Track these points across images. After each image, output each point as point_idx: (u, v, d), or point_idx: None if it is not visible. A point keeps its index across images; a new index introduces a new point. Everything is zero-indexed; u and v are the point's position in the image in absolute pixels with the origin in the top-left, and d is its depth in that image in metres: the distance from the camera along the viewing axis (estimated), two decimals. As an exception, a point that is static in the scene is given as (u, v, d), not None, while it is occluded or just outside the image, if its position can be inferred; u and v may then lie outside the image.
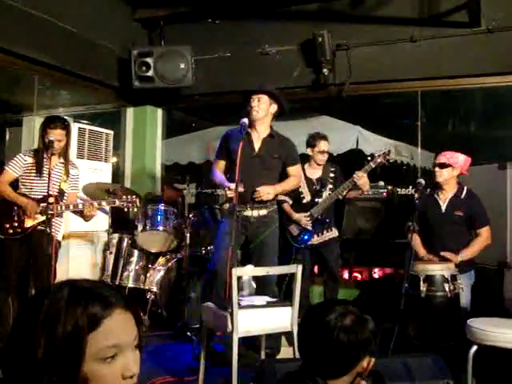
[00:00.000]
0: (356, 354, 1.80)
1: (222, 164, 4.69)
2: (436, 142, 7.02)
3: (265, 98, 4.49)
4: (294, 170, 4.70)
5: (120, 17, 6.34)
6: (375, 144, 7.37)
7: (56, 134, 4.51)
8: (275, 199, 4.66)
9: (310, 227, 5.27)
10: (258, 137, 4.55)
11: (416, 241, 4.66)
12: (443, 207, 4.70)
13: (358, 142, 7.37)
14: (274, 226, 4.62)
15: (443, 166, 4.63)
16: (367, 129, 7.72)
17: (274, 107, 4.57)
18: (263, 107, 4.49)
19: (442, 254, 4.55)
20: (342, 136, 7.50)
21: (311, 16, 5.94)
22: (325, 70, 5.73)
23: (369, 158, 5.14)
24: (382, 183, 6.54)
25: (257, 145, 4.54)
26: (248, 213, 4.46)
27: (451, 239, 4.60)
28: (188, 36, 6.36)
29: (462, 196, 4.69)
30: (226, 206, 4.60)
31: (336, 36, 5.69)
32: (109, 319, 1.09)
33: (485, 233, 4.63)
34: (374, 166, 5.04)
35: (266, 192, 4.42)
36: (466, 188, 4.73)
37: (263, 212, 4.52)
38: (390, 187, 6.27)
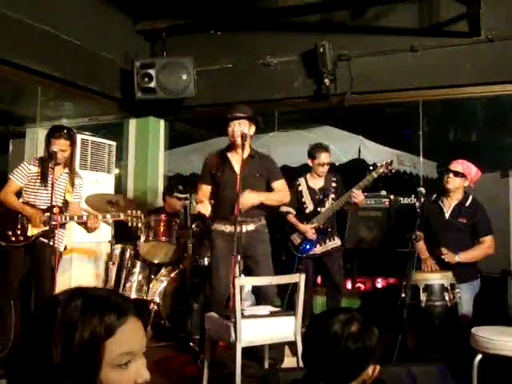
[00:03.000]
0: (363, 361, 1.80)
1: (206, 189, 4.64)
2: (438, 151, 7.04)
3: (245, 122, 4.46)
4: (279, 184, 4.63)
5: (122, 29, 6.39)
6: (377, 153, 7.41)
7: (60, 144, 4.51)
8: (263, 215, 4.62)
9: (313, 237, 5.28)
10: (239, 158, 4.48)
11: (420, 245, 4.64)
12: (447, 214, 4.70)
13: (360, 151, 7.40)
14: (263, 241, 4.57)
15: (457, 174, 4.63)
16: (369, 138, 7.75)
17: (253, 129, 4.56)
18: (246, 131, 4.46)
19: (442, 249, 4.53)
20: (344, 146, 7.54)
21: (312, 27, 5.97)
22: (326, 81, 5.75)
23: (371, 168, 5.15)
24: (384, 193, 6.55)
25: (237, 166, 4.47)
26: (236, 228, 4.36)
27: (454, 246, 4.58)
28: (190, 47, 6.40)
29: (467, 204, 4.68)
30: (216, 225, 4.57)
31: (337, 46, 5.72)
32: (123, 327, 1.12)
33: (487, 241, 4.62)
34: (376, 176, 5.04)
35: (248, 197, 4.34)
36: (471, 196, 4.72)
37: (251, 227, 4.48)
38: (392, 196, 6.27)
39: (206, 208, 4.42)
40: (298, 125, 8.30)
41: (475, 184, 4.77)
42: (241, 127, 4.43)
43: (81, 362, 1.06)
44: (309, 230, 5.24)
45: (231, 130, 4.44)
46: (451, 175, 4.63)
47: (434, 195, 4.79)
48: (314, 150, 5.34)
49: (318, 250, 5.31)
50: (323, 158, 5.30)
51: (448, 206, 4.72)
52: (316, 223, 5.25)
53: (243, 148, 4.38)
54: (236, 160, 4.50)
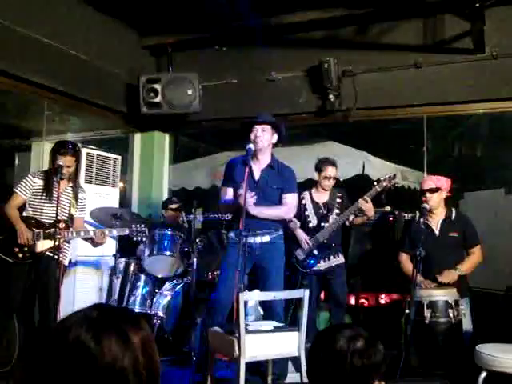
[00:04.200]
0: (368, 377, 1.79)
1: (229, 191, 4.60)
2: (442, 167, 7.04)
3: (268, 129, 4.44)
4: (289, 197, 4.57)
5: (128, 44, 6.44)
6: (381, 169, 7.39)
7: (66, 161, 4.52)
8: (279, 226, 4.58)
9: (315, 251, 5.27)
10: (259, 167, 4.48)
11: (410, 267, 4.60)
12: (436, 231, 4.69)
13: (364, 167, 7.39)
14: (278, 255, 4.54)
15: (432, 190, 4.65)
16: (373, 154, 7.75)
17: (275, 137, 4.52)
18: (267, 137, 4.43)
19: (440, 279, 4.50)
20: (348, 161, 7.53)
21: (317, 43, 6.01)
22: (331, 96, 5.78)
23: (375, 183, 5.15)
24: (388, 208, 6.54)
25: (257, 175, 4.47)
26: (251, 239, 4.34)
27: (448, 262, 4.58)
28: (195, 63, 6.45)
29: (453, 217, 4.71)
30: (232, 234, 4.55)
31: (342, 62, 5.75)
32: None
33: (477, 251, 4.67)
34: (379, 189, 5.05)
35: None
36: (454, 209, 4.76)
37: (266, 239, 4.44)
38: (396, 212, 6.26)
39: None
40: (302, 140, 8.31)
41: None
42: (264, 133, 4.41)
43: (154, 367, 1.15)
44: (303, 237, 5.25)
45: (254, 135, 4.39)
46: (427, 194, 4.65)
47: (417, 214, 4.77)
48: (321, 163, 5.36)
49: (322, 265, 5.30)
50: (330, 171, 5.31)
51: (435, 223, 4.72)
52: (319, 238, 5.25)
53: (260, 162, 4.35)
54: (256, 168, 4.47)
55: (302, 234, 5.30)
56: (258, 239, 4.40)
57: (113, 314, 1.17)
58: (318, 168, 5.38)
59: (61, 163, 4.47)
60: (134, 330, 1.13)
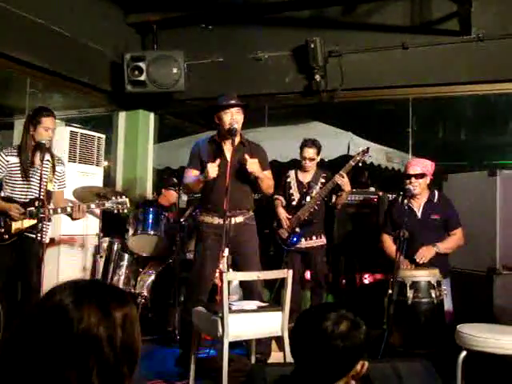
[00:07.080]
0: (352, 359, 1.80)
1: (194, 172, 4.51)
2: (427, 149, 7.08)
3: (241, 110, 4.39)
4: (268, 174, 4.58)
5: (113, 21, 6.35)
6: (366, 150, 7.41)
7: (51, 123, 4.41)
8: (251, 207, 4.56)
9: (297, 229, 5.33)
10: (230, 147, 4.35)
11: (393, 248, 4.63)
12: (419, 213, 4.70)
13: (349, 147, 7.40)
14: (252, 235, 4.52)
15: (418, 176, 4.63)
16: (359, 135, 7.76)
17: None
18: (241, 119, 4.39)
19: (418, 260, 4.49)
20: (334, 142, 7.54)
21: (304, 22, 5.97)
22: (317, 76, 5.76)
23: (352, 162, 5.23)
24: (372, 189, 6.58)
25: (229, 154, 4.39)
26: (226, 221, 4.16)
27: (430, 244, 4.59)
28: (181, 41, 6.38)
29: (435, 200, 4.71)
30: (205, 218, 4.48)
31: (328, 42, 5.73)
32: None
33: (458, 233, 4.67)
34: (353, 163, 5.19)
35: (254, 164, 4.28)
36: (436, 192, 4.76)
37: (239, 219, 4.41)
38: (380, 193, 6.29)
39: (215, 171, 4.25)
40: (287, 120, 8.31)
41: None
42: (239, 115, 4.36)
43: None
44: (283, 217, 5.34)
45: (230, 118, 4.31)
46: (413, 179, 4.63)
47: (400, 196, 4.77)
48: (302, 144, 5.44)
49: (304, 244, 5.38)
50: (305, 152, 5.38)
51: (418, 206, 4.71)
52: (300, 215, 5.30)
53: (233, 142, 4.30)
54: (228, 148, 4.41)
55: (282, 213, 5.40)
56: (232, 220, 4.31)
57: (99, 287, 1.20)
58: (300, 148, 5.44)
59: (44, 141, 4.37)
60: (117, 305, 1.15)
